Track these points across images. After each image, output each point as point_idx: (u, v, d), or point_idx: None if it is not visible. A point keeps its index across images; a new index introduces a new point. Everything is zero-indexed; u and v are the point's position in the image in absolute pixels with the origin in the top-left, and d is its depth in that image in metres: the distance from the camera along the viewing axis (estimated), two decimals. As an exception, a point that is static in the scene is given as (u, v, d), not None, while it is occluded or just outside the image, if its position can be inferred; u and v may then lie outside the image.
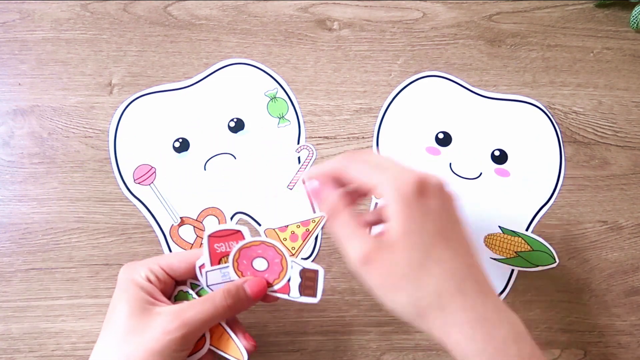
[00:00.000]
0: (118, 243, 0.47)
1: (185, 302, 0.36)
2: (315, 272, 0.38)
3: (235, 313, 0.37)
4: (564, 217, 0.49)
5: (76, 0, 0.52)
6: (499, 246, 0.48)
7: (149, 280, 0.36)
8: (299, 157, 0.49)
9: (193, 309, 0.34)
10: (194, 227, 0.47)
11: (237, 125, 0.50)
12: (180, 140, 0.49)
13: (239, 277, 0.37)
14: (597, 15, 0.54)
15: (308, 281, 0.38)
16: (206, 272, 0.37)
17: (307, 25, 0.52)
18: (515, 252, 0.48)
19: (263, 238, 0.38)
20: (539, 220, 0.49)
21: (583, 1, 0.54)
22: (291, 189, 0.49)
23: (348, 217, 0.34)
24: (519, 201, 0.49)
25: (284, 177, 0.49)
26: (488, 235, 0.48)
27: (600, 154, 0.51)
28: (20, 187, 0.47)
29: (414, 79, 0.52)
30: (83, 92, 0.50)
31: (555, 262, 0.48)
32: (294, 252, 0.47)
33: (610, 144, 0.51)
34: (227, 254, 0.37)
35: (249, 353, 0.37)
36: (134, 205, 0.47)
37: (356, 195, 0.37)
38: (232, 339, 0.37)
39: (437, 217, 0.32)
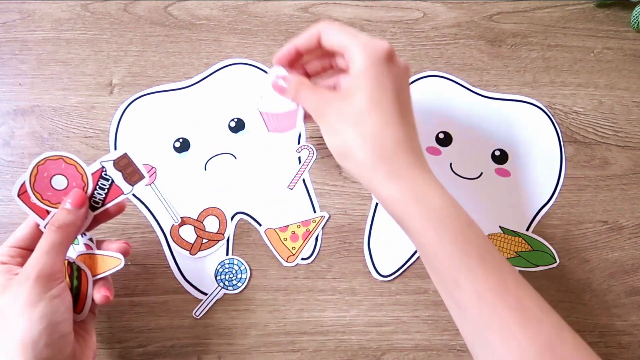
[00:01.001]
0: (118, 243, 0.47)
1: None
2: (125, 155, 0.39)
3: (77, 231, 0.37)
4: (565, 217, 0.49)
5: (77, 0, 0.52)
6: (500, 246, 0.48)
7: (4, 263, 0.36)
8: (299, 157, 0.49)
9: (34, 253, 0.35)
10: (195, 227, 0.47)
11: (238, 125, 0.50)
12: (181, 140, 0.49)
13: (38, 199, 0.37)
14: (598, 15, 0.54)
15: (127, 169, 0.39)
16: (44, 226, 0.37)
17: (307, 25, 0.52)
18: (515, 252, 0.48)
19: (33, 162, 0.37)
20: (539, 221, 0.49)
21: (583, 1, 0.54)
22: (291, 189, 0.49)
23: (308, 83, 0.39)
24: (520, 201, 0.49)
25: (284, 177, 0.49)
26: (488, 235, 0.48)
27: (601, 154, 0.51)
28: (21, 187, 0.47)
29: (414, 78, 0.52)
30: (83, 92, 0.50)
31: (556, 262, 0.48)
32: (294, 252, 0.47)
33: (611, 144, 0.51)
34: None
35: (125, 255, 0.39)
36: (135, 205, 0.47)
37: (326, 61, 0.41)
38: (101, 254, 0.38)
39: (396, 81, 0.36)
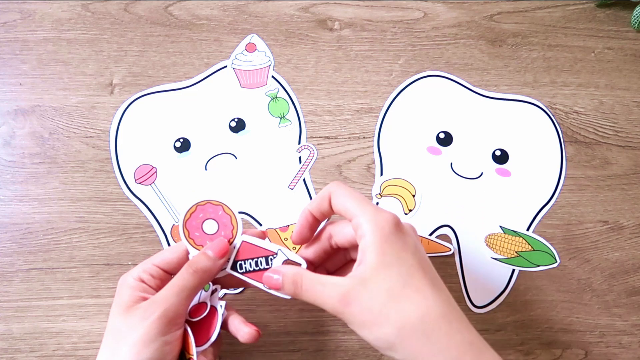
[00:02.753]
0: (119, 243, 0.47)
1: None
2: (299, 265, 0.36)
3: (209, 278, 0.36)
4: (565, 217, 0.49)
5: (77, 0, 0.52)
6: (500, 246, 0.48)
7: (142, 280, 0.36)
8: (299, 157, 0.49)
9: (165, 289, 0.35)
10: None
11: (238, 125, 0.50)
12: (181, 140, 0.49)
13: (185, 236, 0.37)
14: (598, 15, 0.54)
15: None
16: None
17: (308, 25, 0.52)
18: (516, 252, 0.48)
19: (208, 198, 0.37)
20: (540, 220, 0.49)
21: (584, 1, 0.54)
22: (292, 189, 0.49)
23: (310, 275, 0.34)
24: (520, 201, 0.49)
25: (284, 177, 0.49)
26: (489, 235, 0.48)
27: (602, 154, 0.51)
28: (21, 187, 0.48)
29: (415, 78, 0.52)
30: (84, 92, 0.50)
31: (556, 262, 0.48)
32: (295, 252, 0.47)
33: (612, 144, 0.51)
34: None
35: (252, 340, 0.37)
36: (135, 205, 0.47)
37: (327, 238, 0.38)
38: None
39: (414, 251, 0.33)
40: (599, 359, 0.47)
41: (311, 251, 0.38)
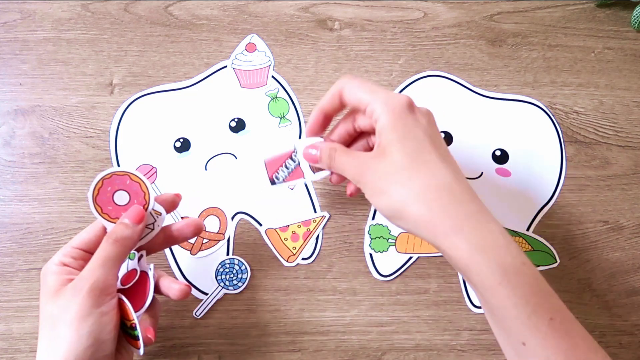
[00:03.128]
0: (119, 243, 0.47)
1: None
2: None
3: (131, 246, 0.36)
4: (565, 217, 0.49)
5: (77, 0, 0.52)
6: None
7: (64, 264, 0.36)
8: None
9: (89, 264, 0.35)
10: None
11: (238, 125, 0.50)
12: (181, 140, 0.49)
13: (98, 212, 0.37)
14: (598, 15, 0.54)
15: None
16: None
17: (308, 25, 0.52)
18: (516, 252, 0.48)
19: (99, 176, 0.37)
20: (540, 220, 0.49)
21: (584, 1, 0.54)
22: (292, 189, 0.49)
23: (342, 149, 0.38)
24: (520, 201, 0.49)
25: (284, 177, 0.49)
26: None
27: (602, 154, 0.51)
28: (22, 187, 0.48)
29: (415, 78, 0.52)
30: (84, 92, 0.50)
31: (556, 262, 0.48)
32: (294, 252, 0.47)
33: (612, 144, 0.51)
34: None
35: (183, 296, 0.38)
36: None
37: (349, 124, 0.40)
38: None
39: (426, 128, 0.35)
40: (599, 359, 0.46)
41: (336, 134, 0.41)
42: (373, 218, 0.48)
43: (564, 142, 0.51)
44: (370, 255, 0.48)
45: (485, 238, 0.32)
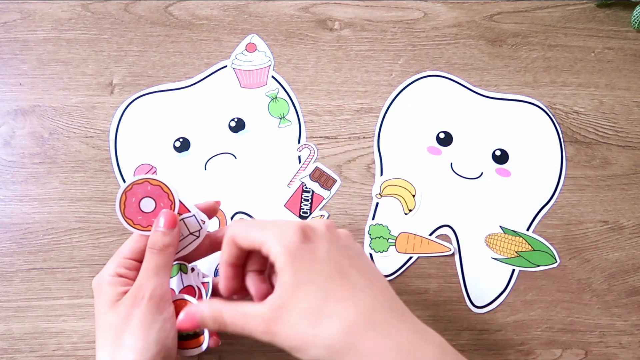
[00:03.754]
0: (119, 243, 0.46)
1: None
2: (317, 168, 0.44)
3: (174, 251, 0.36)
4: (565, 217, 0.49)
5: (77, 0, 0.52)
6: (500, 246, 0.48)
7: (120, 275, 0.36)
8: (299, 157, 0.49)
9: (141, 275, 0.35)
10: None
11: (238, 125, 0.50)
12: (181, 140, 0.49)
13: (131, 225, 0.37)
14: (598, 15, 0.54)
15: (322, 178, 0.46)
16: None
17: (308, 25, 0.52)
18: (516, 252, 0.48)
19: (122, 189, 0.37)
20: (540, 220, 0.49)
21: (584, 1, 0.54)
22: (290, 188, 0.49)
23: (228, 309, 0.32)
24: (520, 201, 0.49)
25: (284, 176, 0.49)
26: (489, 235, 0.48)
27: (602, 154, 0.51)
28: (21, 187, 0.48)
29: (415, 78, 0.52)
30: (84, 92, 0.50)
31: (556, 262, 0.48)
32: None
33: (612, 144, 0.51)
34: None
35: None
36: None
37: (258, 262, 0.36)
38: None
39: (327, 258, 0.31)
40: (599, 359, 0.46)
41: (223, 277, 0.36)
42: (373, 218, 0.48)
43: (564, 142, 0.51)
44: (370, 255, 0.48)
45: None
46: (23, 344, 0.45)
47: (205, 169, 0.49)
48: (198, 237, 0.38)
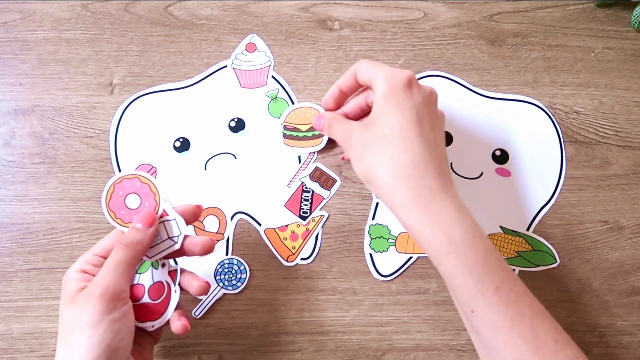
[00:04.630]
0: (119, 243, 0.47)
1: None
2: (317, 168, 0.47)
3: (143, 249, 0.36)
4: (565, 217, 0.49)
5: (77, 0, 0.52)
6: (500, 246, 0.48)
7: (84, 271, 0.36)
8: (299, 157, 0.49)
9: (101, 270, 0.35)
10: (194, 226, 0.47)
11: (238, 125, 0.50)
12: (181, 139, 0.49)
13: (112, 217, 0.37)
14: (598, 15, 0.54)
15: (321, 178, 0.48)
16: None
17: (308, 25, 0.52)
18: (516, 252, 0.48)
19: (110, 182, 0.38)
20: (540, 220, 0.49)
21: (584, 1, 0.54)
22: (291, 188, 0.49)
23: (339, 119, 0.43)
24: (520, 201, 0.49)
25: (284, 176, 0.49)
26: (489, 235, 0.48)
27: (601, 153, 0.51)
28: (21, 187, 0.48)
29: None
30: (84, 92, 0.50)
31: (556, 262, 0.48)
32: (294, 251, 0.47)
33: (612, 144, 0.51)
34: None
35: (203, 293, 0.39)
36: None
37: (362, 100, 0.44)
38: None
39: (415, 105, 0.37)
40: (599, 359, 0.46)
41: (349, 107, 0.44)
42: (373, 218, 0.48)
43: (564, 142, 0.51)
44: (370, 255, 0.47)
45: (438, 212, 0.35)
46: (23, 344, 0.45)
47: (205, 169, 0.49)
48: (175, 242, 0.38)
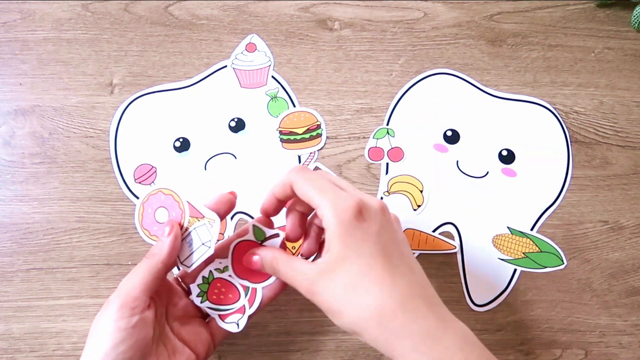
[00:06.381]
0: (119, 243, 0.47)
1: None
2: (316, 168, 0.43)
3: (166, 258, 0.36)
4: (565, 217, 0.49)
5: (77, 0, 0.52)
6: (507, 247, 0.48)
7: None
8: (299, 157, 0.49)
9: (124, 280, 0.35)
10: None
11: (238, 125, 0.50)
12: (181, 139, 0.49)
13: (147, 235, 0.38)
14: (598, 15, 0.54)
15: None
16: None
17: (308, 25, 0.52)
18: (523, 253, 0.48)
19: (141, 199, 0.38)
20: (544, 221, 0.49)
21: (584, 1, 0.54)
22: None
23: (284, 260, 0.36)
24: (525, 202, 0.49)
25: (284, 177, 0.49)
26: (497, 235, 0.48)
27: (602, 153, 0.51)
28: (21, 187, 0.48)
29: (423, 76, 0.52)
30: (84, 92, 0.50)
31: (563, 263, 0.48)
32: (294, 251, 0.47)
33: (612, 144, 0.51)
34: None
35: None
36: (135, 205, 0.47)
37: (304, 215, 0.39)
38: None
39: (376, 240, 0.33)
40: (599, 359, 0.46)
41: (290, 222, 0.39)
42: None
43: (570, 143, 0.51)
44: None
45: (441, 356, 0.32)
46: (23, 344, 0.45)
47: (205, 169, 0.49)
48: (209, 247, 0.38)
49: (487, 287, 0.47)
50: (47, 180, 0.48)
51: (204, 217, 0.37)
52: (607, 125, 0.51)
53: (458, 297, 0.47)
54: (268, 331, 0.46)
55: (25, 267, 0.46)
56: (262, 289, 0.39)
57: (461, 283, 0.47)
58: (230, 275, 0.39)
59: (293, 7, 0.53)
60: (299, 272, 0.35)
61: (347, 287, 0.33)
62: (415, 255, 0.48)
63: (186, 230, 0.38)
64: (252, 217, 0.48)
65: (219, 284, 0.39)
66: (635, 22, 0.53)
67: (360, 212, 0.34)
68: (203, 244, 0.38)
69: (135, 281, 0.35)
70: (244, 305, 0.39)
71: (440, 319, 0.33)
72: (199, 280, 0.39)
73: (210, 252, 0.37)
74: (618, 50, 0.53)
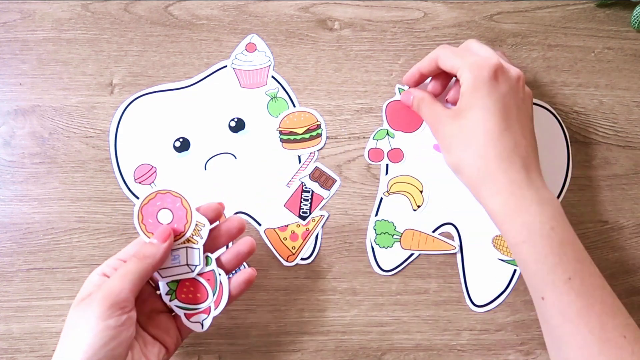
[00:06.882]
0: (119, 243, 0.47)
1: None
2: (317, 168, 0.48)
3: (156, 263, 0.37)
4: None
5: (77, 0, 0.52)
6: (507, 247, 0.48)
7: (105, 274, 0.37)
8: (299, 157, 0.49)
9: (111, 276, 0.35)
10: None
11: (238, 125, 0.50)
12: (181, 139, 0.49)
13: (138, 220, 0.38)
14: (598, 15, 0.54)
15: (321, 178, 0.48)
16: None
17: (308, 25, 0.52)
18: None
19: (157, 188, 0.39)
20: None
21: (584, 1, 0.54)
22: (290, 188, 0.49)
23: (428, 101, 0.44)
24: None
25: (284, 176, 0.49)
26: (496, 236, 0.48)
27: (602, 154, 0.51)
28: (21, 187, 0.48)
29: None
30: (84, 92, 0.50)
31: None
32: (294, 251, 0.47)
33: (612, 144, 0.51)
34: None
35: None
36: (135, 205, 0.47)
37: (445, 79, 0.45)
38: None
39: (501, 98, 0.38)
40: (599, 359, 0.46)
41: (431, 85, 0.46)
42: (376, 214, 0.48)
43: (570, 144, 0.50)
44: (372, 249, 0.47)
45: (519, 204, 0.37)
46: (23, 344, 0.45)
47: (205, 169, 0.49)
48: (192, 271, 0.39)
49: (487, 288, 0.47)
50: (47, 180, 0.48)
51: (204, 225, 0.39)
52: (607, 125, 0.51)
53: (458, 297, 0.47)
54: (268, 331, 0.46)
55: (25, 267, 0.46)
56: (227, 291, 0.40)
57: (461, 283, 0.47)
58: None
59: (293, 7, 0.53)
60: (435, 112, 0.42)
61: (463, 129, 0.39)
62: (416, 255, 0.48)
63: (181, 243, 0.38)
64: (252, 217, 0.48)
65: (187, 283, 0.39)
66: (635, 22, 0.53)
67: (496, 73, 0.39)
68: (188, 265, 0.38)
69: (125, 282, 0.35)
70: (210, 307, 0.39)
71: (529, 179, 0.38)
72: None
73: (191, 275, 0.38)
74: (618, 50, 0.53)
